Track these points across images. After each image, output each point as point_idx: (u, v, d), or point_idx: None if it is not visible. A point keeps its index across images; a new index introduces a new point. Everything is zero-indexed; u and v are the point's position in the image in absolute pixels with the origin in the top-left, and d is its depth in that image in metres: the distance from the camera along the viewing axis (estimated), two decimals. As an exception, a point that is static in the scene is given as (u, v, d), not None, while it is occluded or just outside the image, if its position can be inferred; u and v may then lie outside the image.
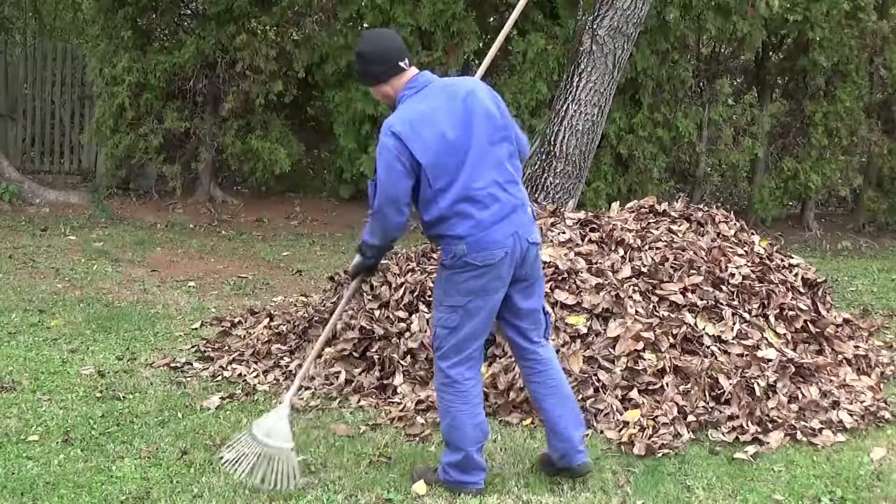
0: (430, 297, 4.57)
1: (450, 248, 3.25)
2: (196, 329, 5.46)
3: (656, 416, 3.97)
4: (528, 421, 4.06)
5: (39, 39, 11.97)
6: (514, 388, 4.20)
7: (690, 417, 3.99)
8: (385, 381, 4.37)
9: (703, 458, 3.75)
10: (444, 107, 3.19)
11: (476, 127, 3.20)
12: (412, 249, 5.34)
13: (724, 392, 4.12)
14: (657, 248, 4.90)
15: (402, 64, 3.26)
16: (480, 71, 3.99)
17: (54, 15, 13.32)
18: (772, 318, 4.65)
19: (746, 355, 4.37)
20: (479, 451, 3.36)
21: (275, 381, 4.54)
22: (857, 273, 8.26)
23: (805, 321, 4.73)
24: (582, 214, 5.29)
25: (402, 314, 4.51)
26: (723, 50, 10.97)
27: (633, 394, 4.12)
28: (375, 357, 4.46)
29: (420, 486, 3.39)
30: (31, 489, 3.27)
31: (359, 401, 4.28)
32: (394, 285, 4.73)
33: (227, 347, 5.08)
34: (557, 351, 4.31)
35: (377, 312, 4.66)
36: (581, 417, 3.51)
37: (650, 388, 4.16)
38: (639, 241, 4.96)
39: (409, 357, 4.38)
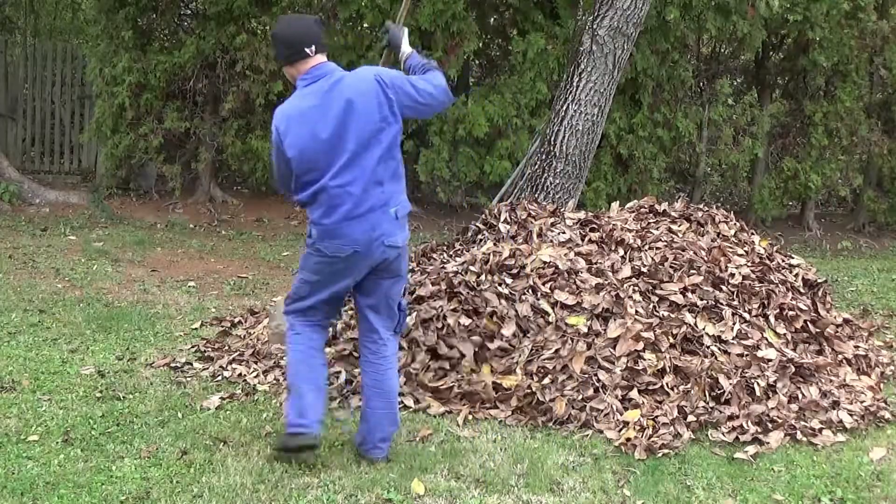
0: (429, 297, 4.58)
1: (309, 228, 3.51)
2: (196, 329, 5.46)
3: (656, 416, 3.98)
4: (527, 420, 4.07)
5: (39, 39, 11.97)
6: (516, 395, 4.20)
7: (690, 417, 3.99)
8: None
9: (703, 458, 3.75)
10: (323, 107, 3.40)
11: (350, 130, 3.38)
12: (412, 250, 5.35)
13: (724, 392, 4.12)
14: (657, 248, 4.90)
15: (307, 50, 3.45)
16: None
17: (55, 15, 13.32)
18: (772, 318, 4.65)
19: (746, 355, 4.37)
20: (312, 393, 3.51)
21: (275, 381, 4.54)
22: (857, 273, 8.26)
23: (805, 321, 4.73)
24: (582, 214, 5.29)
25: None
26: (723, 50, 10.97)
27: (633, 394, 4.13)
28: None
29: (419, 486, 3.40)
30: (31, 489, 3.28)
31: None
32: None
33: (227, 347, 5.09)
34: (557, 351, 4.32)
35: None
36: (397, 417, 3.65)
37: (650, 388, 4.16)
38: (639, 241, 4.96)
39: (413, 359, 4.37)
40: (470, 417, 4.08)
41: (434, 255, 5.25)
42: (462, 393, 4.20)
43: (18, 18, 12.65)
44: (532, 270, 4.69)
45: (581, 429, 3.99)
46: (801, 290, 5.03)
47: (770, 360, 4.34)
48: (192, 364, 4.79)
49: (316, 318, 3.62)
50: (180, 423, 3.96)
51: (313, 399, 3.52)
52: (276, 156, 3.52)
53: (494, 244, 4.99)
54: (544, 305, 4.51)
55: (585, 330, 4.40)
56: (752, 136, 10.47)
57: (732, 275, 4.79)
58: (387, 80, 3.44)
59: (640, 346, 4.30)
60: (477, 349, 4.42)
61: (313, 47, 3.45)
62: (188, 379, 4.57)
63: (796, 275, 5.13)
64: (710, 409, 4.06)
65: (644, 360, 4.25)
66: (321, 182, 3.40)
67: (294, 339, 3.60)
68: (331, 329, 4.26)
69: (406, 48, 3.86)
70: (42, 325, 5.37)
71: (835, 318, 5.08)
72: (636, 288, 4.62)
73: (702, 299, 4.61)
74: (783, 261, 5.24)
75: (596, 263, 4.75)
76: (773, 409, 4.09)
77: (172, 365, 4.75)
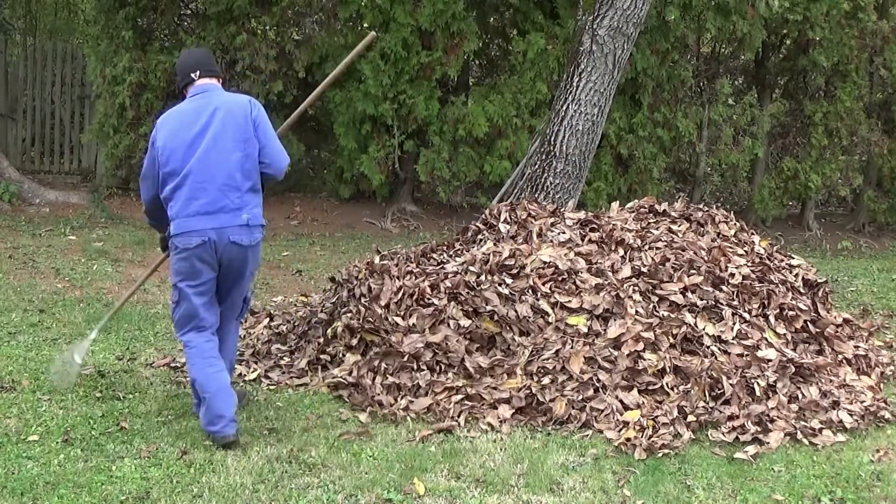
0: (428, 300, 4.58)
1: (169, 228, 3.86)
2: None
3: (656, 416, 3.98)
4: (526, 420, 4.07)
5: (39, 39, 11.97)
6: (516, 396, 4.20)
7: (690, 417, 3.99)
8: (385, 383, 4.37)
9: (703, 458, 3.75)
10: (197, 111, 3.84)
11: (214, 135, 3.79)
12: (412, 250, 5.35)
13: (724, 392, 4.12)
14: (657, 248, 4.90)
15: (192, 75, 3.96)
16: (291, 119, 4.90)
17: (55, 14, 13.33)
18: (772, 318, 4.65)
19: (746, 355, 4.37)
20: (220, 398, 3.74)
21: (276, 382, 4.54)
22: (857, 273, 8.26)
23: (805, 321, 4.73)
24: (582, 214, 5.29)
25: (399, 320, 4.51)
26: (723, 50, 10.97)
27: (633, 394, 4.12)
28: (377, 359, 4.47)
29: (419, 486, 3.40)
30: (31, 489, 3.27)
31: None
32: (392, 288, 4.73)
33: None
34: (557, 352, 4.32)
35: (377, 313, 4.66)
36: (234, 398, 3.82)
37: (650, 388, 4.16)
38: (639, 241, 4.96)
39: (414, 359, 4.37)
40: (470, 418, 4.08)
41: (434, 255, 5.25)
42: (463, 394, 4.20)
43: (16, 19, 12.65)
44: (532, 271, 4.69)
45: (581, 429, 3.99)
46: (802, 291, 5.03)
47: (770, 360, 4.34)
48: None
49: (203, 325, 3.88)
50: (180, 423, 3.96)
51: (221, 404, 3.74)
52: (149, 153, 3.91)
53: (494, 244, 4.99)
54: (544, 306, 4.51)
55: (585, 330, 4.40)
56: (752, 136, 10.48)
57: (732, 275, 4.79)
58: (255, 109, 3.90)
59: (640, 346, 4.30)
60: (477, 349, 4.43)
61: (198, 72, 3.95)
62: (188, 379, 4.56)
63: (796, 275, 5.13)
64: (710, 409, 4.05)
65: (644, 360, 4.25)
66: (181, 176, 3.78)
67: (190, 353, 3.88)
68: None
69: None
70: (42, 325, 5.37)
71: (835, 318, 5.08)
72: (636, 288, 4.62)
73: (702, 299, 4.61)
74: (781, 261, 5.24)
75: (596, 263, 4.75)
76: (773, 409, 4.09)
77: (172, 365, 4.75)
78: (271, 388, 4.48)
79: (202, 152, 3.77)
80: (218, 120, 3.81)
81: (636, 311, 4.47)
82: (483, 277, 4.67)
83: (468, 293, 4.56)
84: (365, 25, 9.84)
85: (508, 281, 4.64)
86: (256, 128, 3.87)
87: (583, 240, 4.99)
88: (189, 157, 3.77)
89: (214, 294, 3.91)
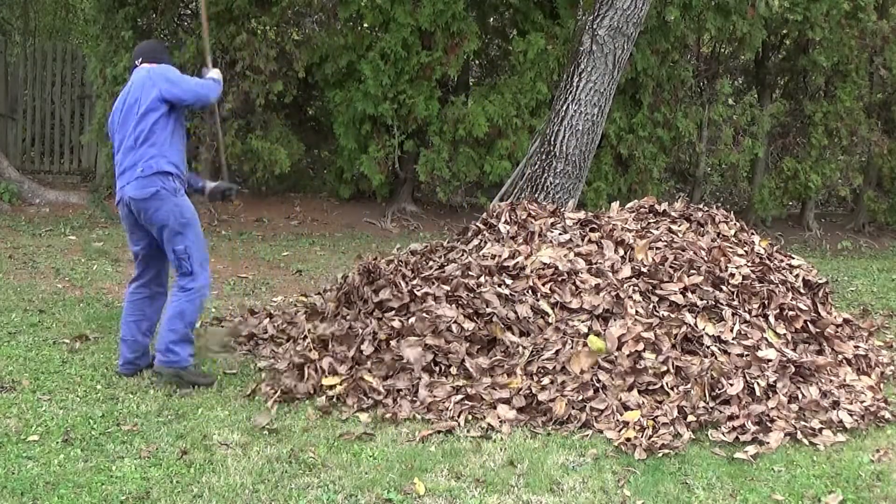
0: (429, 299, 4.58)
1: None
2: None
3: (656, 416, 3.98)
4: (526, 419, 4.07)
5: (39, 39, 11.97)
6: (516, 396, 4.20)
7: (690, 417, 3.99)
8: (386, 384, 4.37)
9: (703, 458, 3.75)
10: (126, 90, 4.56)
11: (125, 109, 4.50)
12: (410, 251, 5.35)
13: (724, 392, 4.12)
14: (657, 248, 4.90)
15: (136, 62, 4.69)
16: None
17: (54, 14, 13.32)
18: (772, 319, 4.65)
19: (746, 355, 4.37)
20: (124, 344, 4.57)
21: (276, 383, 4.54)
22: (857, 273, 8.26)
23: (805, 321, 4.73)
24: (582, 214, 5.29)
25: (395, 324, 4.52)
26: (723, 50, 10.98)
27: (634, 394, 4.12)
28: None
29: (420, 486, 3.40)
30: (31, 489, 3.28)
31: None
32: (392, 292, 4.73)
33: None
34: (558, 352, 4.32)
35: (375, 314, 4.66)
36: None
37: (650, 388, 4.16)
38: (639, 241, 4.96)
39: (415, 361, 4.37)
40: (470, 418, 4.08)
41: (433, 256, 5.25)
42: (463, 394, 4.20)
43: (14, 19, 12.65)
44: (532, 271, 4.69)
45: (581, 429, 3.99)
46: (802, 291, 5.03)
47: (770, 360, 4.34)
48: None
49: (144, 279, 4.62)
50: (180, 423, 3.97)
51: (124, 348, 4.57)
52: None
53: (494, 245, 4.99)
54: (544, 306, 4.51)
55: (585, 330, 4.40)
56: (752, 135, 10.48)
57: (732, 275, 4.79)
58: (154, 77, 4.48)
59: (640, 346, 4.30)
60: (477, 350, 4.43)
61: (140, 59, 4.68)
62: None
63: (797, 275, 5.13)
64: (710, 409, 4.06)
65: (644, 360, 4.25)
66: (116, 143, 4.56)
67: (126, 295, 4.68)
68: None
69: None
70: (42, 325, 5.37)
71: (835, 318, 5.08)
72: (636, 288, 4.62)
73: (702, 299, 4.61)
74: (781, 262, 5.24)
75: (596, 264, 4.75)
76: (773, 409, 4.09)
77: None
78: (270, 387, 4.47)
79: (121, 127, 4.50)
80: (128, 97, 4.50)
81: (636, 312, 4.47)
82: (483, 278, 4.67)
83: (468, 295, 4.57)
84: (365, 25, 9.85)
85: (508, 281, 4.64)
86: (155, 89, 4.43)
87: (583, 240, 4.99)
88: (117, 131, 4.54)
89: (145, 249, 4.55)
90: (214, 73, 4.88)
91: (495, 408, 4.12)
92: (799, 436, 3.95)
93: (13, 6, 12.26)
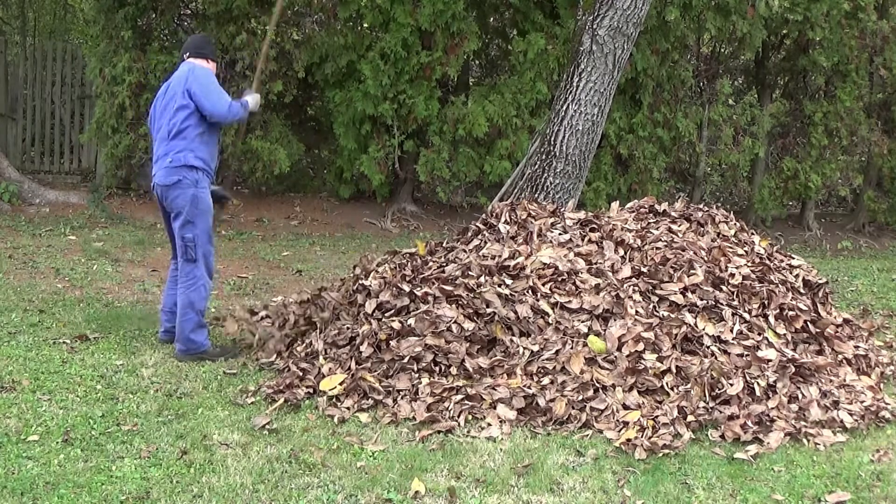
0: (428, 299, 4.58)
1: None
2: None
3: (656, 416, 3.98)
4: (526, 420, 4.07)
5: (39, 39, 11.96)
6: (516, 396, 4.20)
7: (690, 417, 3.99)
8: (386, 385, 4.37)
9: (703, 458, 3.75)
10: (168, 82, 4.97)
11: (167, 97, 4.90)
12: (404, 254, 5.35)
13: (724, 392, 4.12)
14: (657, 248, 4.90)
15: (184, 56, 5.04)
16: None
17: (53, 14, 13.32)
18: (772, 319, 4.65)
19: (746, 355, 4.37)
20: (164, 314, 5.11)
21: (274, 382, 4.54)
22: (857, 273, 8.26)
23: (805, 321, 4.73)
24: (582, 214, 5.29)
25: (395, 324, 4.52)
26: (723, 50, 10.98)
27: (633, 394, 4.12)
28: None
29: (420, 486, 3.40)
30: (31, 489, 3.27)
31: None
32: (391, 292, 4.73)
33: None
34: (558, 352, 4.32)
35: (375, 315, 4.66)
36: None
37: (650, 388, 4.16)
38: (639, 241, 4.96)
39: (414, 361, 4.37)
40: (470, 418, 4.08)
41: (433, 256, 5.25)
42: (463, 394, 4.20)
43: (12, 18, 12.65)
44: (532, 271, 4.69)
45: (581, 429, 3.99)
46: (802, 291, 5.03)
47: (770, 360, 4.34)
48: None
49: (174, 254, 5.10)
50: (180, 423, 3.97)
51: (163, 317, 5.11)
52: None
53: (494, 245, 4.99)
54: (544, 306, 4.51)
55: (585, 330, 4.40)
56: (752, 135, 10.48)
57: (732, 275, 4.79)
58: (191, 78, 4.81)
59: (641, 346, 4.30)
60: (477, 350, 4.43)
61: (187, 53, 5.04)
62: (188, 378, 4.57)
63: (797, 275, 5.13)
64: (710, 409, 4.06)
65: (644, 360, 4.25)
66: (154, 133, 5.00)
67: (169, 272, 5.20)
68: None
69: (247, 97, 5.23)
70: (42, 325, 5.37)
71: (835, 318, 5.08)
72: (636, 288, 4.62)
73: (702, 299, 4.61)
74: (781, 262, 5.24)
75: (596, 264, 4.75)
76: (773, 409, 4.09)
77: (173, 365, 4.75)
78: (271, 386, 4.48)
79: (158, 120, 4.91)
80: (168, 92, 4.89)
81: (636, 312, 4.47)
82: (483, 279, 4.67)
83: (468, 295, 4.57)
84: (365, 25, 9.85)
85: (508, 281, 4.64)
86: (190, 93, 4.78)
87: (583, 240, 4.98)
88: (155, 122, 4.96)
89: (173, 231, 4.98)
90: (250, 99, 5.14)
91: (495, 408, 4.12)
92: (799, 436, 3.95)
93: (10, 5, 12.25)
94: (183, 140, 4.80)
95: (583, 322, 4.45)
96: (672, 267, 4.76)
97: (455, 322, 4.44)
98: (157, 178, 4.88)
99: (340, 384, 4.30)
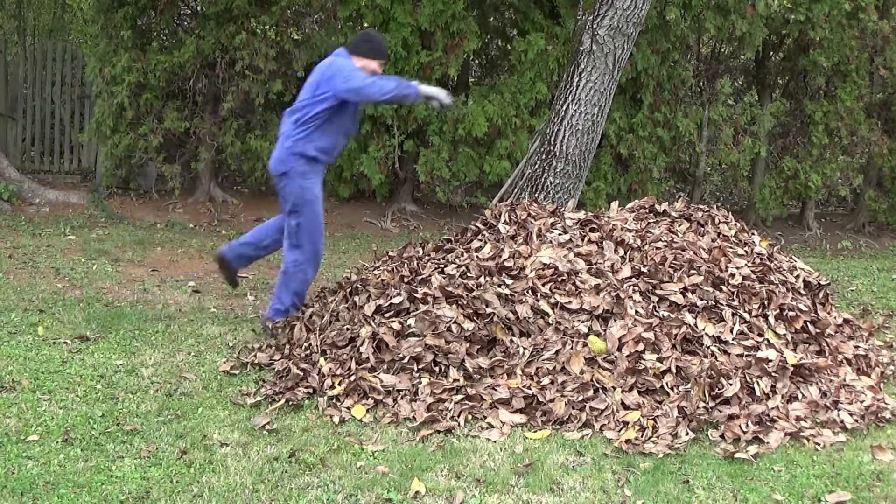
0: (428, 299, 4.58)
1: None
2: (196, 329, 5.46)
3: (656, 416, 3.98)
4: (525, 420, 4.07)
5: (39, 39, 11.96)
6: (516, 396, 4.20)
7: (690, 417, 3.99)
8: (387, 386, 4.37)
9: (703, 458, 3.75)
10: (322, 64, 5.21)
11: (314, 79, 5.16)
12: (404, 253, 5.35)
13: (724, 392, 4.12)
14: (657, 248, 4.90)
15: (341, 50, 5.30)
16: None
17: (52, 13, 13.31)
18: (772, 319, 4.65)
19: (746, 355, 4.37)
20: (243, 237, 5.64)
21: (273, 383, 4.55)
22: (857, 273, 8.26)
23: (805, 322, 4.73)
24: (582, 214, 5.29)
25: (395, 325, 4.52)
26: (723, 49, 10.98)
27: (633, 394, 4.13)
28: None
29: (419, 486, 3.40)
30: (31, 489, 3.27)
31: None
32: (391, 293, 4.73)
33: (228, 347, 5.08)
34: (558, 352, 4.32)
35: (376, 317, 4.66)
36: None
37: (650, 388, 4.16)
38: (639, 241, 4.96)
39: (414, 361, 4.37)
40: (470, 418, 4.08)
41: (433, 256, 5.25)
42: (463, 394, 4.20)
43: (8, 17, 12.64)
44: (532, 271, 4.69)
45: (581, 429, 3.99)
46: (802, 291, 5.03)
47: (770, 361, 4.34)
48: (190, 364, 4.79)
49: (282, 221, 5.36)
50: (180, 423, 3.97)
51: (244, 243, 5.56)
52: None
53: (494, 245, 4.99)
54: (544, 306, 4.51)
55: (585, 330, 4.40)
56: (752, 135, 10.48)
57: (732, 275, 4.79)
58: (332, 67, 5.07)
59: (641, 346, 4.30)
60: (477, 350, 4.43)
61: (342, 49, 5.28)
62: (188, 378, 4.57)
63: (797, 276, 5.13)
64: (710, 409, 4.06)
65: (644, 360, 4.25)
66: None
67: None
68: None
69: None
70: (42, 324, 5.37)
71: (835, 318, 5.08)
72: (636, 288, 4.61)
73: (702, 299, 4.61)
74: (781, 261, 5.24)
75: (596, 264, 4.75)
76: (773, 409, 4.09)
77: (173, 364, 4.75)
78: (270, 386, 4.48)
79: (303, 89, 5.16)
80: (320, 72, 5.13)
81: (636, 312, 4.47)
82: (482, 279, 4.67)
83: (467, 295, 4.57)
84: (365, 25, 9.85)
85: (508, 282, 4.64)
86: (325, 81, 5.03)
87: (582, 240, 4.98)
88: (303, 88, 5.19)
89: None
90: (426, 87, 5.07)
91: (495, 408, 4.12)
92: (799, 436, 3.95)
93: (6, 4, 12.24)
94: (303, 129, 5.04)
95: (583, 322, 4.45)
96: (672, 267, 4.76)
97: (455, 322, 4.45)
98: (270, 162, 5.30)
99: (340, 384, 4.30)
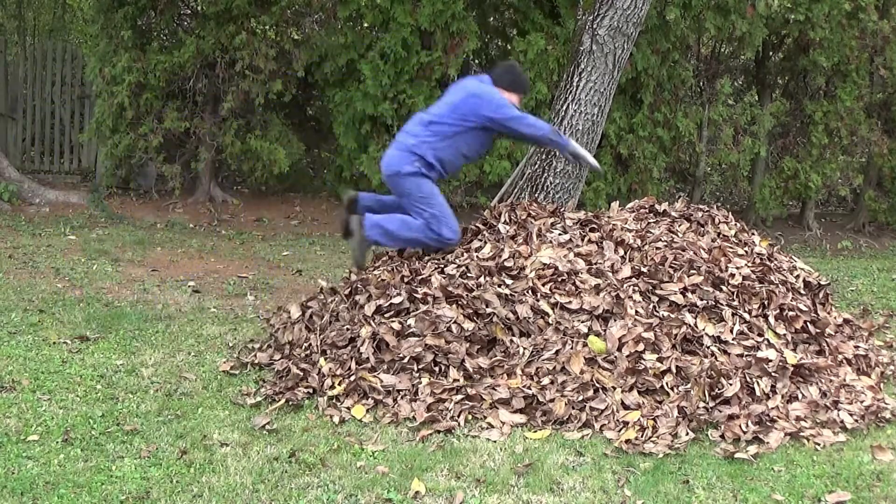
0: (428, 299, 4.57)
1: None
2: (196, 329, 5.46)
3: (656, 416, 3.98)
4: (524, 419, 4.07)
5: (39, 39, 11.96)
6: (516, 396, 4.20)
7: (690, 417, 3.99)
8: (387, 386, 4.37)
9: (703, 458, 3.75)
10: (460, 82, 5.35)
11: (451, 92, 5.26)
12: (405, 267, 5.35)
13: (724, 392, 4.12)
14: (657, 248, 4.90)
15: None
16: None
17: (52, 13, 13.31)
18: (772, 319, 4.65)
19: (746, 355, 4.37)
20: (379, 202, 5.45)
21: (274, 382, 4.55)
22: (857, 273, 8.26)
23: (805, 322, 4.73)
24: (582, 214, 5.29)
25: (395, 325, 4.52)
26: (723, 49, 10.98)
27: (633, 394, 4.13)
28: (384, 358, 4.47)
29: (419, 486, 3.40)
30: (31, 489, 3.28)
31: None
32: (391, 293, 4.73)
33: (229, 347, 5.08)
34: (558, 352, 4.32)
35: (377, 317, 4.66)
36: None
37: (650, 388, 4.16)
38: (639, 241, 4.96)
39: (414, 361, 4.37)
40: (470, 418, 4.08)
41: (433, 256, 5.24)
42: (463, 394, 4.20)
43: (8, 17, 12.64)
44: (532, 271, 4.69)
45: (581, 429, 3.99)
46: (802, 291, 5.03)
47: (770, 361, 4.34)
48: (192, 364, 4.80)
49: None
50: (180, 423, 3.97)
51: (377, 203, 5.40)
52: None
53: (494, 245, 4.99)
54: (544, 306, 4.51)
55: (585, 330, 4.40)
56: (752, 135, 10.48)
57: (732, 275, 4.79)
58: (478, 93, 5.11)
59: (641, 346, 4.30)
60: (477, 350, 4.43)
61: (487, 76, 5.29)
62: (188, 378, 4.57)
63: (797, 276, 5.13)
64: (710, 409, 4.06)
65: (644, 360, 4.25)
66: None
67: None
68: None
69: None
70: (42, 325, 5.37)
71: (835, 318, 5.08)
72: (636, 288, 4.61)
73: (702, 299, 4.61)
74: (781, 262, 5.24)
75: (596, 264, 4.75)
76: (773, 409, 4.08)
77: (174, 365, 4.75)
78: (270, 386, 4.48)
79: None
80: (460, 86, 5.24)
81: (636, 312, 4.47)
82: (482, 279, 4.67)
83: (467, 295, 4.57)
84: (365, 25, 9.85)
85: (508, 282, 4.64)
86: (465, 105, 5.07)
87: (582, 240, 4.98)
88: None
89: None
90: (577, 146, 5.23)
91: (495, 408, 4.12)
92: (799, 436, 3.95)
93: (7, 4, 12.24)
94: (431, 136, 5.08)
95: (583, 322, 4.45)
96: (672, 267, 4.76)
97: (455, 322, 4.45)
98: (382, 160, 5.23)
99: (340, 384, 4.30)
